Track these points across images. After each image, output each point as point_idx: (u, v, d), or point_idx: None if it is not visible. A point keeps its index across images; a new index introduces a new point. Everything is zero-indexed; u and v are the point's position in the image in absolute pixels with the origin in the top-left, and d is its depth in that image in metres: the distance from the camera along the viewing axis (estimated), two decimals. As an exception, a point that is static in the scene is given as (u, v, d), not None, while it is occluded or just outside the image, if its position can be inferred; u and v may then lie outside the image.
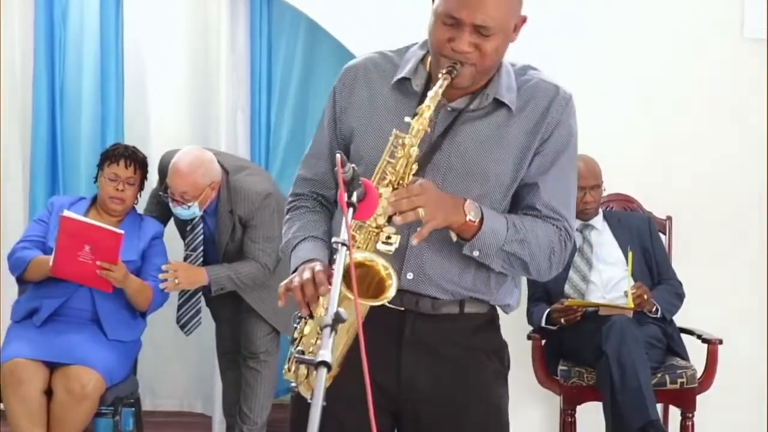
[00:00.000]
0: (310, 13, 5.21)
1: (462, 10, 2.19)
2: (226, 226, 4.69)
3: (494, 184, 2.32)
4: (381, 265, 2.17)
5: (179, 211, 4.67)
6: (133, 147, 4.75)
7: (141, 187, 4.68)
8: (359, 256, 2.16)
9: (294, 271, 2.28)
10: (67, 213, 4.38)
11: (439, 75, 2.21)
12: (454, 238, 2.27)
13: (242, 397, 4.84)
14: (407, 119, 2.19)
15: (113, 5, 5.44)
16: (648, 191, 5.07)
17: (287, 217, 2.47)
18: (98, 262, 4.32)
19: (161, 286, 4.51)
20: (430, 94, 2.20)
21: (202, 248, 4.76)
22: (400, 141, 2.18)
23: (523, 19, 2.29)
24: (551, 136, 2.33)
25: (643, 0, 5.18)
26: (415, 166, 2.19)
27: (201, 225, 4.75)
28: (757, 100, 5.16)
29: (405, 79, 2.35)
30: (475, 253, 2.28)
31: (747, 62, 5.15)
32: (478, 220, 2.24)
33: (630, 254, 4.62)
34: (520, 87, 2.35)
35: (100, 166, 4.65)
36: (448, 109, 2.32)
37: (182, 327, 4.88)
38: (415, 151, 2.18)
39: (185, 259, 4.80)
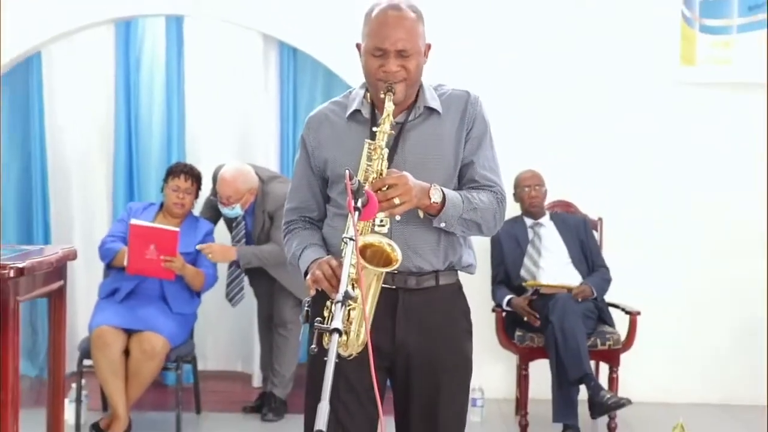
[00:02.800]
0: (326, 62, 5.23)
1: (386, 42, 2.29)
2: (259, 222, 4.71)
3: (441, 170, 2.36)
4: (386, 244, 2.19)
5: (226, 211, 4.69)
6: (191, 164, 4.76)
7: (197, 196, 4.69)
8: (369, 239, 2.18)
9: (306, 271, 2.30)
10: (134, 221, 4.40)
11: (381, 96, 2.29)
12: (422, 215, 2.30)
13: (275, 358, 4.85)
14: (374, 129, 2.26)
15: (175, 56, 5.45)
16: (584, 198, 5.07)
17: (285, 239, 2.46)
18: (162, 257, 4.33)
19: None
20: (386, 108, 2.26)
21: (244, 240, 4.77)
22: (372, 146, 2.23)
23: (429, 46, 2.38)
24: (473, 126, 2.39)
25: (581, 27, 5.15)
26: (386, 163, 2.23)
27: (243, 223, 4.76)
28: (673, 124, 5.18)
29: (356, 111, 2.39)
30: (442, 225, 2.30)
31: (670, 89, 5.16)
32: (440, 200, 2.26)
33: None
34: (440, 97, 2.41)
35: (165, 179, 4.65)
36: (393, 123, 2.35)
37: (230, 300, 4.89)
38: (385, 151, 2.24)
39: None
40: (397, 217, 2.29)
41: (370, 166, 2.22)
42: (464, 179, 2.39)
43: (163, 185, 4.66)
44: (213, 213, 4.89)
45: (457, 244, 2.40)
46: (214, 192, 4.74)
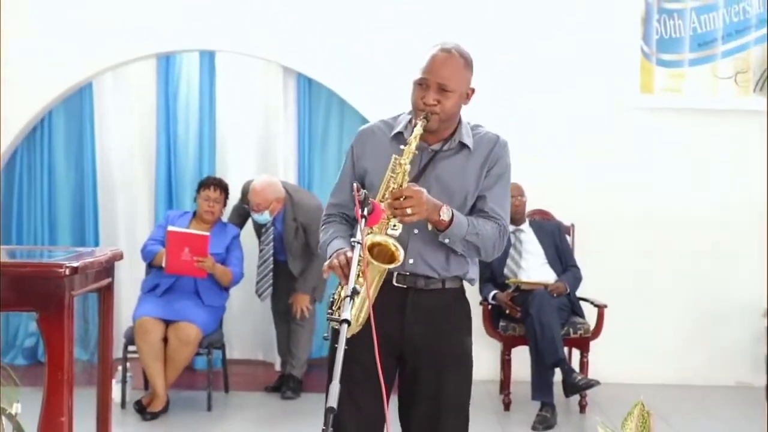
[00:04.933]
0: (338, 91, 5.23)
1: (429, 73, 2.27)
2: (291, 228, 4.69)
3: (460, 198, 2.34)
4: (392, 244, 2.18)
5: (256, 216, 4.67)
6: (220, 177, 4.76)
7: (225, 204, 4.69)
8: (378, 238, 2.17)
9: (330, 257, 2.31)
10: (170, 228, 4.39)
11: (418, 122, 2.27)
12: (430, 227, 2.28)
13: (292, 343, 4.84)
14: (402, 147, 2.25)
15: (208, 86, 5.46)
16: (559, 207, 5.06)
17: (323, 227, 2.46)
18: (195, 258, 4.33)
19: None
20: (415, 130, 2.26)
21: (272, 244, 4.75)
22: (398, 161, 2.23)
23: (473, 90, 2.35)
24: (494, 166, 2.36)
25: (556, 61, 5.12)
26: (407, 178, 2.23)
27: (272, 228, 4.74)
28: (635, 143, 5.18)
29: (399, 133, 2.37)
30: (446, 240, 2.28)
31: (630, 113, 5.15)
32: (448, 219, 2.24)
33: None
34: (474, 136, 2.38)
35: (198, 190, 4.65)
36: (430, 150, 2.33)
37: (259, 295, 4.86)
38: (408, 167, 2.22)
39: (260, 252, 4.77)
40: (415, 231, 2.28)
41: (392, 177, 2.22)
42: (475, 208, 2.37)
43: (195, 195, 4.66)
44: (240, 219, 4.89)
45: (464, 262, 2.38)
46: (245, 201, 4.73)
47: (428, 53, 2.31)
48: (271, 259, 4.76)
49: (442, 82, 2.26)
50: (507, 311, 4.57)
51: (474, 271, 2.43)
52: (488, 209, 2.34)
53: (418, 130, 2.24)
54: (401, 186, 2.19)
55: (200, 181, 4.73)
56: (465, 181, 2.34)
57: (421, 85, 2.28)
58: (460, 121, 2.36)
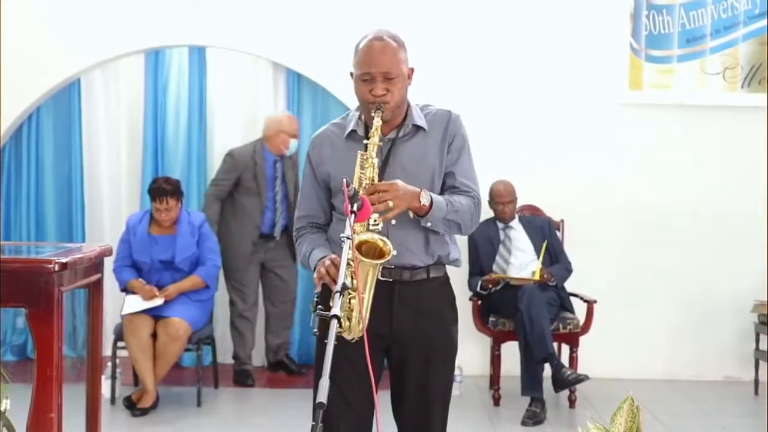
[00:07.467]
0: (328, 86, 5.22)
1: (372, 67, 2.28)
2: (292, 182, 4.94)
3: (428, 180, 2.35)
4: (379, 239, 2.18)
5: (292, 144, 4.94)
6: (164, 180, 4.53)
7: (180, 202, 4.51)
8: (364, 236, 2.17)
9: (314, 268, 2.30)
10: (125, 311, 4.33)
11: (372, 114, 2.28)
12: (411, 215, 2.30)
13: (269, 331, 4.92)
14: (365, 141, 2.26)
15: (197, 82, 5.44)
16: (549, 203, 5.07)
17: (297, 242, 2.45)
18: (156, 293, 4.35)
19: None
20: (374, 123, 2.26)
21: (284, 185, 4.96)
22: (365, 156, 2.24)
23: (413, 69, 2.37)
24: (453, 141, 2.38)
25: (547, 58, 5.14)
26: (377, 170, 2.24)
27: (282, 184, 4.95)
28: (623, 140, 5.20)
29: (353, 131, 2.38)
30: (428, 224, 2.30)
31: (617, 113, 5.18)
32: (428, 203, 2.27)
33: (544, 245, 4.64)
34: (426, 116, 2.40)
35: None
36: (385, 140, 2.35)
37: (283, 232, 4.94)
38: (375, 161, 2.24)
39: (274, 195, 4.91)
40: (393, 222, 2.29)
41: (362, 173, 2.23)
42: (446, 185, 2.39)
43: None
44: (221, 206, 4.92)
45: (444, 242, 2.40)
46: (234, 166, 4.89)
47: (362, 46, 2.32)
48: (285, 201, 4.92)
49: (386, 71, 2.27)
50: (490, 288, 4.57)
51: (455, 251, 2.44)
52: (458, 184, 2.37)
53: (377, 122, 2.25)
54: (373, 180, 2.21)
55: (148, 189, 4.58)
56: (428, 162, 2.36)
57: (365, 80, 2.29)
58: (408, 105, 2.39)
